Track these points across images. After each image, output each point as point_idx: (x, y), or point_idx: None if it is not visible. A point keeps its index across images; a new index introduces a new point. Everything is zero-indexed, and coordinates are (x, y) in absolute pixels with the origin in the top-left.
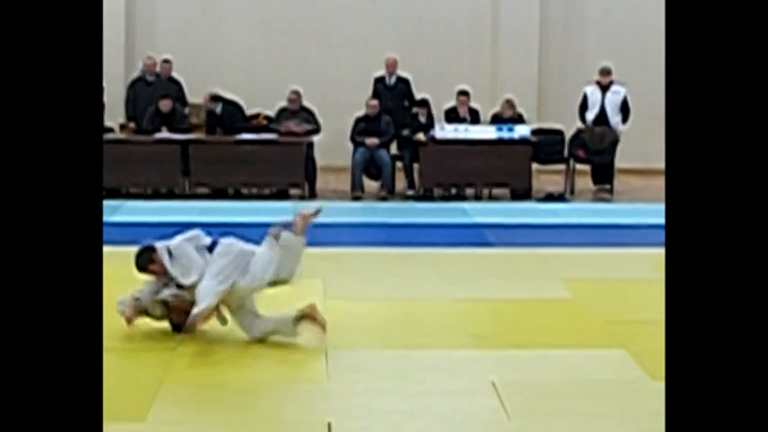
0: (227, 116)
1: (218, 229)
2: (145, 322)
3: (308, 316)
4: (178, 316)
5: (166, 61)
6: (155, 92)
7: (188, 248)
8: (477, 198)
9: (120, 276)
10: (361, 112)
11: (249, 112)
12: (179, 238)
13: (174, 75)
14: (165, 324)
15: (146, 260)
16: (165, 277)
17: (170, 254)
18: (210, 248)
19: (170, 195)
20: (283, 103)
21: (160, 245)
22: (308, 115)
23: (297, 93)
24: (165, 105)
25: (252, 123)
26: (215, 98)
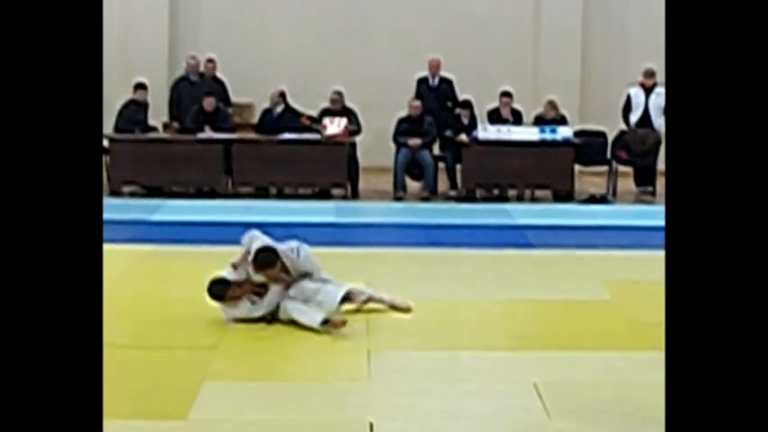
0: (285, 119)
1: (261, 229)
2: (182, 316)
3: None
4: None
5: (210, 61)
6: (198, 91)
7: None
8: (519, 199)
9: (161, 274)
10: (403, 113)
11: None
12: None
13: (218, 74)
14: (211, 320)
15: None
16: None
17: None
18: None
19: (213, 195)
20: (326, 104)
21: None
22: (350, 115)
23: (339, 93)
24: (208, 104)
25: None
26: (282, 95)
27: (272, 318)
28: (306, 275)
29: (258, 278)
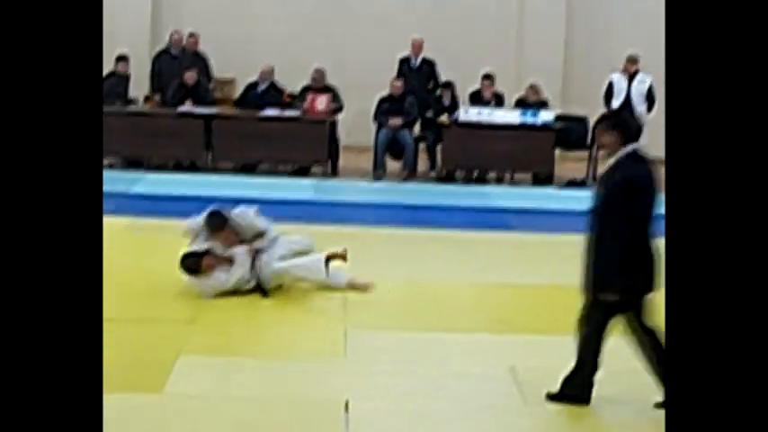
0: (268, 95)
1: (240, 204)
2: (160, 289)
3: (338, 256)
4: None
5: (192, 35)
6: (180, 65)
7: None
8: (499, 182)
9: (139, 247)
10: (385, 93)
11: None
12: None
13: (200, 49)
14: (189, 294)
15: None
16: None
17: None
18: None
19: (193, 168)
20: (307, 81)
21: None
22: (331, 93)
23: (320, 71)
24: (189, 78)
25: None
26: (271, 72)
27: (258, 288)
28: (259, 235)
29: (218, 247)
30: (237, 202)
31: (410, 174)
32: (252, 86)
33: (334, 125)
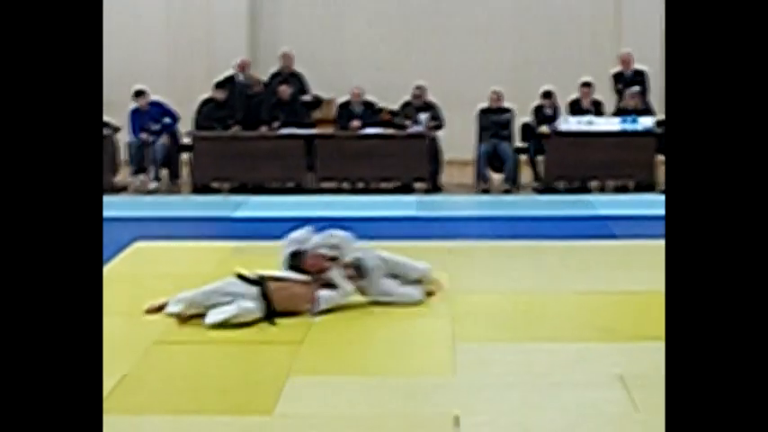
0: (364, 114)
1: (344, 224)
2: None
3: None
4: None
5: (286, 54)
6: (275, 84)
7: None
8: (602, 190)
9: (249, 270)
10: (484, 105)
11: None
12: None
13: (296, 68)
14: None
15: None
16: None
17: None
18: None
19: (297, 190)
20: (408, 98)
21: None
22: (432, 110)
23: (421, 87)
24: (283, 92)
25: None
26: (361, 93)
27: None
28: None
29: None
30: (341, 221)
31: (512, 186)
32: (345, 105)
33: (434, 141)
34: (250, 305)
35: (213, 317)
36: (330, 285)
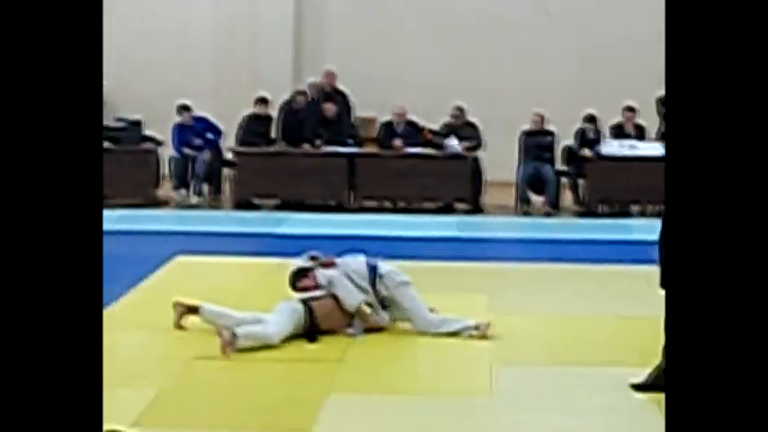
0: (407, 133)
1: (385, 243)
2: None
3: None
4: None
5: (330, 73)
6: (318, 102)
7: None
8: (642, 214)
9: (287, 288)
10: (527, 127)
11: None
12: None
13: (340, 86)
14: (337, 333)
15: None
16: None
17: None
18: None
19: (338, 208)
20: (448, 119)
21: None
22: (471, 131)
23: (460, 109)
24: (329, 110)
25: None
26: (403, 113)
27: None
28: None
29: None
30: (382, 240)
31: (552, 208)
32: (388, 125)
33: (476, 161)
34: (273, 330)
35: (241, 339)
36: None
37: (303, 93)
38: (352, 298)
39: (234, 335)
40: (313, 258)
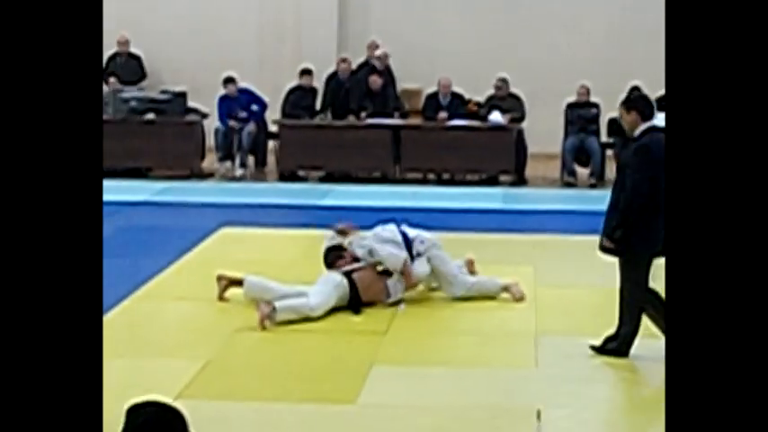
0: (452, 105)
1: (429, 215)
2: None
3: (509, 289)
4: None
5: (375, 45)
6: (363, 74)
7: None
8: None
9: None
10: (572, 99)
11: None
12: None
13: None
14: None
15: None
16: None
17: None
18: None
19: (382, 180)
20: (491, 91)
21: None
22: (514, 102)
23: (504, 80)
24: (374, 82)
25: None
26: (448, 85)
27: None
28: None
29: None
30: (426, 211)
31: (598, 180)
32: (432, 96)
33: (521, 133)
34: (315, 302)
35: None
36: (387, 272)
37: (345, 60)
38: (395, 258)
39: (273, 308)
40: (340, 232)
